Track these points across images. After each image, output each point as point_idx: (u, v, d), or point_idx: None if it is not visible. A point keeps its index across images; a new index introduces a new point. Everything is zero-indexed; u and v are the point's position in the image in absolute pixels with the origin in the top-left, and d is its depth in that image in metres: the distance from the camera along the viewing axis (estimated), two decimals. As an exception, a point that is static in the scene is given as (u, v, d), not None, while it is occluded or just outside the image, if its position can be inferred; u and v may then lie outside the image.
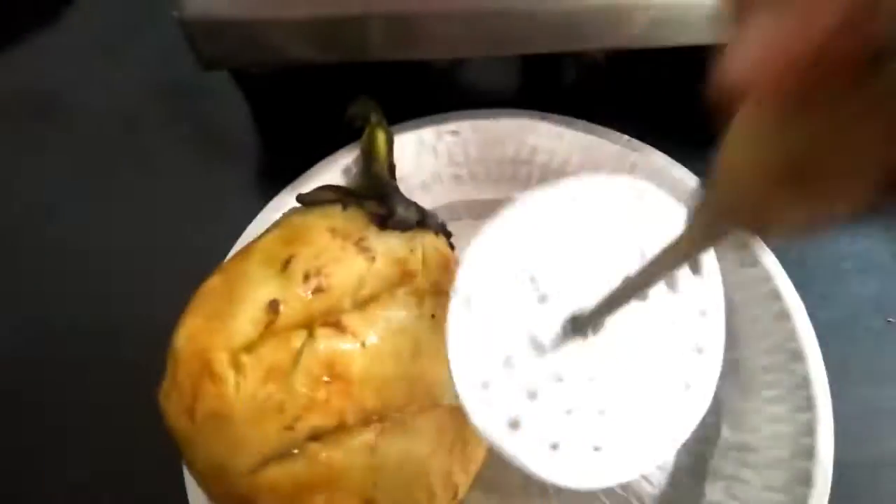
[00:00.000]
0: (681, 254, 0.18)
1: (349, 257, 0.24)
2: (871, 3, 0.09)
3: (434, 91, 0.37)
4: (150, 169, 0.37)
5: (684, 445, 0.28)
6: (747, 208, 0.14)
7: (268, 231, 0.26)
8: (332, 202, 0.27)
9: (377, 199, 0.27)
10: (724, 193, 0.15)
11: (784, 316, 0.29)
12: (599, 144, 0.33)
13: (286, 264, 0.24)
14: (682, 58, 0.32)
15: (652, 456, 0.22)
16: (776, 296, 0.29)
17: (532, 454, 0.20)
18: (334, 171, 0.33)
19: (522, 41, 0.33)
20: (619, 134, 0.33)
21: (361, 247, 0.25)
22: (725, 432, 0.28)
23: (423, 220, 0.27)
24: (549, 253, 0.22)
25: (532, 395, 0.21)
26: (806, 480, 0.26)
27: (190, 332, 0.23)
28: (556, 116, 0.34)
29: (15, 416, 0.31)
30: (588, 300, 0.22)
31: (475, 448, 0.26)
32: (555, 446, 0.20)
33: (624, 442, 0.21)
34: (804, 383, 0.28)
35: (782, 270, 0.30)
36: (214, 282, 0.25)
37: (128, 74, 0.39)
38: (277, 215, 0.28)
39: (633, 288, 0.20)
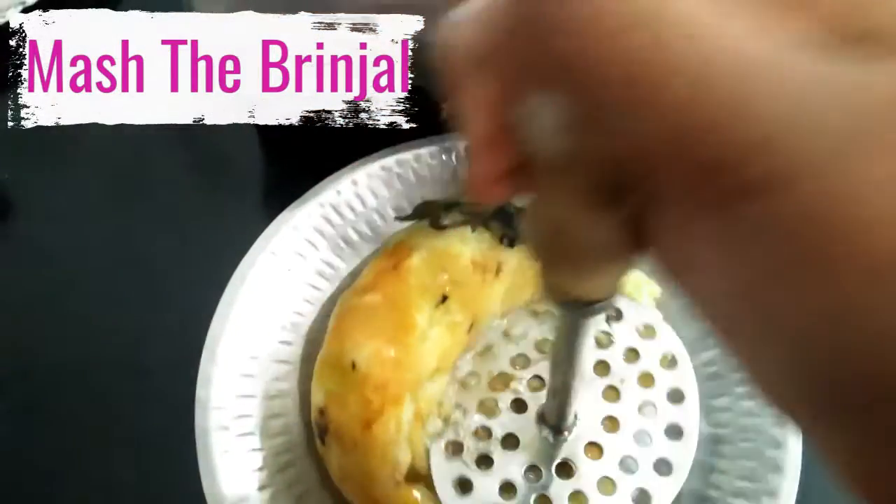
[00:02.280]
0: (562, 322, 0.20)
1: (488, 286, 0.30)
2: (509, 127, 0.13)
3: (435, 115, 0.39)
4: (164, 185, 0.39)
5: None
6: (538, 278, 0.17)
7: (413, 249, 0.31)
8: (462, 224, 0.31)
9: (500, 219, 0.31)
10: (539, 271, 0.17)
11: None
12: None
13: (443, 300, 0.30)
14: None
15: None
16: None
17: None
18: (343, 184, 0.35)
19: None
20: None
21: (499, 276, 0.31)
22: (702, 427, 0.30)
23: None
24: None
25: (507, 488, 0.24)
26: (777, 468, 0.28)
27: (376, 354, 0.28)
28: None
29: (43, 417, 0.33)
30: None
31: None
32: None
33: None
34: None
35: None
36: (375, 299, 0.30)
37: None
38: (287, 228, 0.32)
39: (561, 367, 0.22)
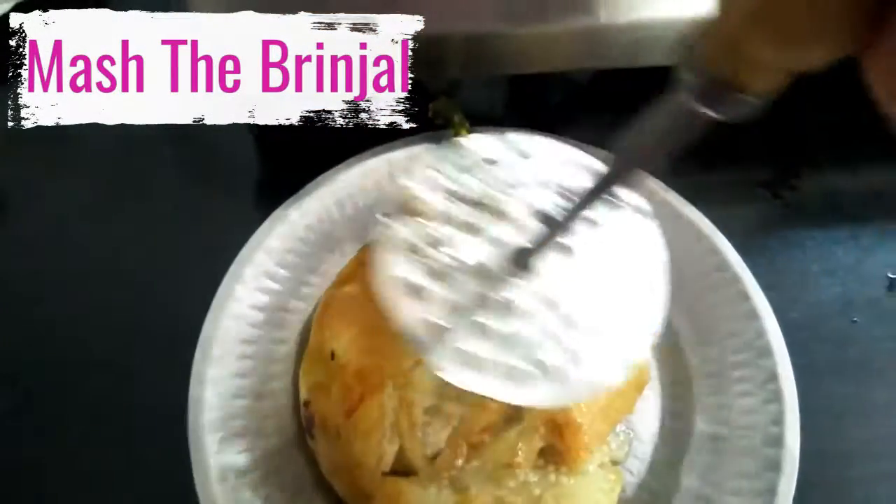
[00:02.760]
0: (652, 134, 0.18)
1: None
2: None
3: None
4: (164, 185, 0.39)
5: (661, 438, 0.31)
6: (729, 50, 0.14)
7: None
8: None
9: None
10: (711, 38, 0.15)
11: (752, 315, 0.31)
12: (583, 159, 0.36)
13: None
14: (659, 77, 0.34)
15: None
16: (745, 297, 0.32)
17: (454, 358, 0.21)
18: (337, 182, 0.35)
19: (513, 62, 0.36)
20: (598, 150, 0.36)
21: None
22: (700, 424, 0.31)
23: None
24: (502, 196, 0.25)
25: (458, 309, 0.22)
26: (775, 466, 0.28)
27: (354, 342, 0.28)
28: (540, 133, 0.36)
29: (38, 416, 0.33)
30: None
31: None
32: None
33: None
34: (772, 377, 0.30)
35: (750, 274, 0.32)
36: (354, 290, 0.29)
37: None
38: (283, 226, 0.31)
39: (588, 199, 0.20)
